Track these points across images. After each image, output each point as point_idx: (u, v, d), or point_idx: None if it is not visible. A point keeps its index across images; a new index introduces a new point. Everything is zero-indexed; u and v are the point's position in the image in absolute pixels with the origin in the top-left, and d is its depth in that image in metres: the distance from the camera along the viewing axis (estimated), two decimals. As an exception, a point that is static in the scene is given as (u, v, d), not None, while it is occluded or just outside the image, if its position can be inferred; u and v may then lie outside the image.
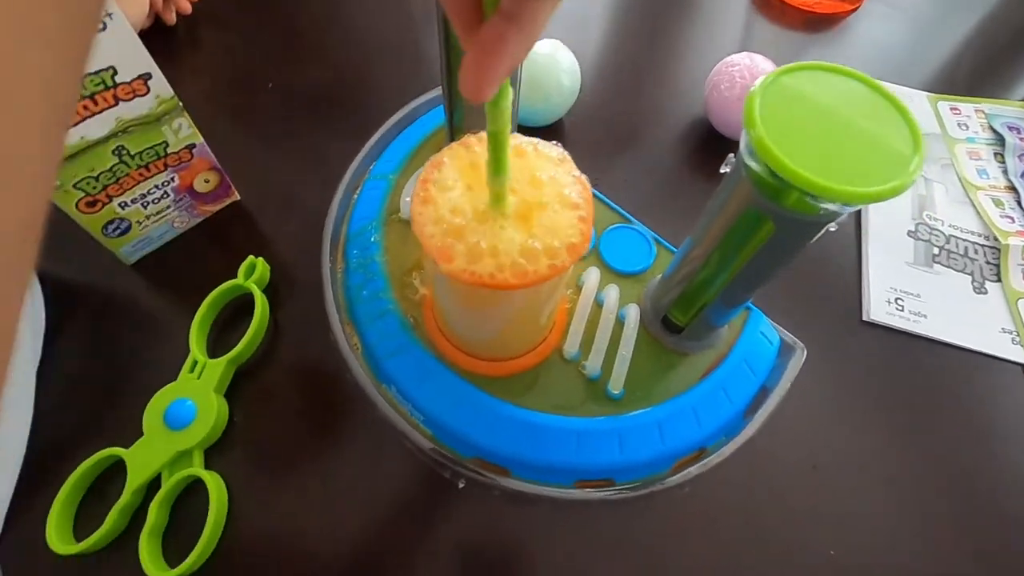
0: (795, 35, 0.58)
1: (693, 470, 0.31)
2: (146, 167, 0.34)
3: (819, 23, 0.59)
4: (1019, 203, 0.46)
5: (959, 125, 0.51)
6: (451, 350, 0.33)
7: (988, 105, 0.53)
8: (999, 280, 0.42)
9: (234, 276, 0.37)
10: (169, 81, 0.32)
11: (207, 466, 0.32)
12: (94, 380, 0.35)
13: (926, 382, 0.38)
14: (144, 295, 0.38)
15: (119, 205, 0.35)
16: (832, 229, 0.23)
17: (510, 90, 0.18)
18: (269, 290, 0.38)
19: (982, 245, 0.44)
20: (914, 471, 0.35)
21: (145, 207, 0.36)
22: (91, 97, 0.29)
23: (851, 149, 0.20)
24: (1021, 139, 0.49)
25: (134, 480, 0.30)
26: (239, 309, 0.37)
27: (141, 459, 0.31)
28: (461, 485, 0.32)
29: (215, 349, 0.36)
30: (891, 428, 0.36)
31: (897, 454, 0.35)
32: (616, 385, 0.32)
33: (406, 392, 0.32)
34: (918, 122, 0.20)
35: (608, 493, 0.31)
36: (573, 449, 0.31)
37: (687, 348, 0.34)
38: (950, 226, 0.45)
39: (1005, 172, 0.48)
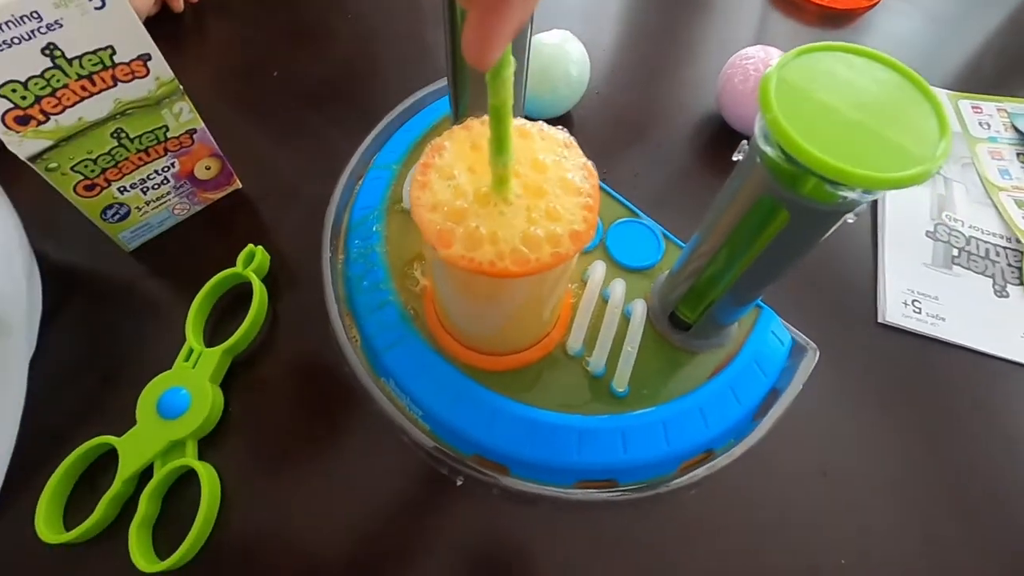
0: (811, 31, 0.56)
1: (699, 472, 0.30)
2: (146, 151, 0.34)
3: (836, 19, 0.57)
4: (1043, 205, 0.44)
5: (981, 124, 0.50)
6: (451, 343, 0.32)
7: (1011, 104, 0.51)
8: (1022, 284, 0.41)
9: (234, 265, 0.36)
10: (173, 68, 0.32)
11: (201, 457, 0.31)
12: (89, 367, 0.34)
13: (943, 387, 0.36)
14: (143, 282, 0.38)
15: (118, 190, 0.34)
16: (850, 220, 0.21)
17: (512, 59, 0.18)
18: (268, 280, 0.37)
19: (1004, 247, 0.42)
20: (929, 480, 0.33)
21: (145, 192, 0.36)
22: (89, 77, 0.28)
23: (872, 133, 0.19)
24: (1045, 139, 0.48)
25: (126, 469, 0.30)
26: (237, 298, 0.36)
27: (133, 448, 0.30)
28: (459, 482, 0.31)
29: (212, 338, 0.35)
30: (906, 434, 0.35)
31: (912, 462, 0.34)
32: (621, 383, 0.31)
33: (404, 386, 0.32)
34: (944, 104, 0.19)
35: (611, 494, 0.30)
36: (575, 448, 0.30)
37: (695, 346, 0.33)
38: (970, 227, 0.43)
39: (1028, 173, 0.46)
